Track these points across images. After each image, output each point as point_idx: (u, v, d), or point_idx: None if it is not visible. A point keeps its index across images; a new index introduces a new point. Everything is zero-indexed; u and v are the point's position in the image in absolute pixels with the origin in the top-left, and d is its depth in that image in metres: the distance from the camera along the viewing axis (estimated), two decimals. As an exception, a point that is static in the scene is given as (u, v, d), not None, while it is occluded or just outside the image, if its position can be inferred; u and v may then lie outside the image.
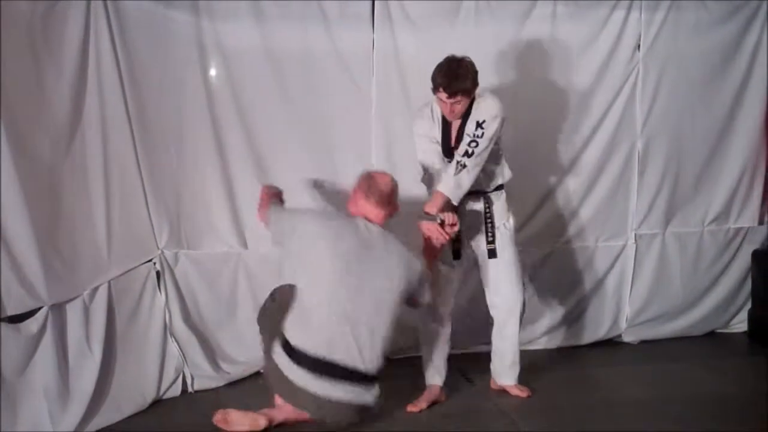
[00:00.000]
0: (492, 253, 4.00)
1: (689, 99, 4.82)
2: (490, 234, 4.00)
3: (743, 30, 4.80)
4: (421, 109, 3.97)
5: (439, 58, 4.38)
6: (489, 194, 4.00)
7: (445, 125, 3.92)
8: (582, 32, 4.61)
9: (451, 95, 3.73)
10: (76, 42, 3.70)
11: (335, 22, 4.31)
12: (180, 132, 4.22)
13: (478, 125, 3.79)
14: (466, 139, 3.79)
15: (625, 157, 4.81)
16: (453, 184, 3.76)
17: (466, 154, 3.77)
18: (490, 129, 3.78)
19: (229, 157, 4.33)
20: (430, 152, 3.93)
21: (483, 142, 3.77)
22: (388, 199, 3.70)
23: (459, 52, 4.37)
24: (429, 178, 3.96)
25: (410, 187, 4.12)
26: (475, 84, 3.78)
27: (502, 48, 4.51)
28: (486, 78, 4.45)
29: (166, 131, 4.18)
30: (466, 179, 3.77)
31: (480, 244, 4.03)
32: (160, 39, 4.08)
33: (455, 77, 3.72)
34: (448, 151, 3.92)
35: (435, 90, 3.78)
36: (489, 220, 4.00)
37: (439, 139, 3.93)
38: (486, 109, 3.82)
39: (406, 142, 4.44)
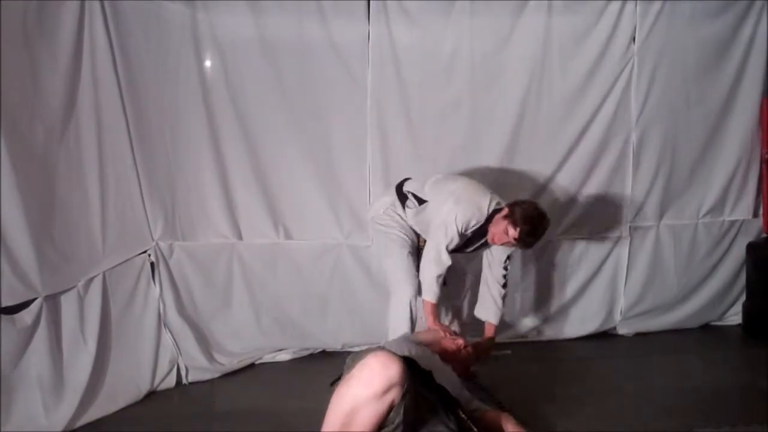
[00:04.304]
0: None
1: (684, 91, 4.80)
2: None
3: (738, 22, 4.78)
4: (468, 221, 3.88)
5: (435, 51, 4.42)
6: None
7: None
8: (577, 24, 4.58)
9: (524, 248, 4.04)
10: (71, 31, 3.68)
11: (331, 14, 4.29)
12: (175, 123, 4.21)
13: (509, 258, 4.15)
14: (502, 272, 4.15)
15: (620, 150, 4.79)
16: (501, 313, 4.22)
17: (504, 286, 4.19)
18: None
19: (225, 148, 4.32)
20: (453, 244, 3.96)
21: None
22: None
23: (454, 45, 4.41)
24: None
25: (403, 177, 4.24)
26: None
27: (497, 40, 4.49)
28: (481, 71, 4.49)
29: (162, 123, 4.17)
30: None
31: None
32: (156, 30, 4.07)
33: (538, 239, 3.91)
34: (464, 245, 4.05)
35: (516, 239, 3.81)
36: None
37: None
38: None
39: (401, 133, 4.47)
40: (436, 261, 3.91)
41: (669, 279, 5.04)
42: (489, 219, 3.89)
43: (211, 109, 4.25)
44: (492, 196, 3.94)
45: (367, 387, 2.49)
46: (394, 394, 2.51)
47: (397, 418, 2.56)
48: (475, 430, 2.91)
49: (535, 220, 3.80)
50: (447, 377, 3.22)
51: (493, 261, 4.16)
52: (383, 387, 2.47)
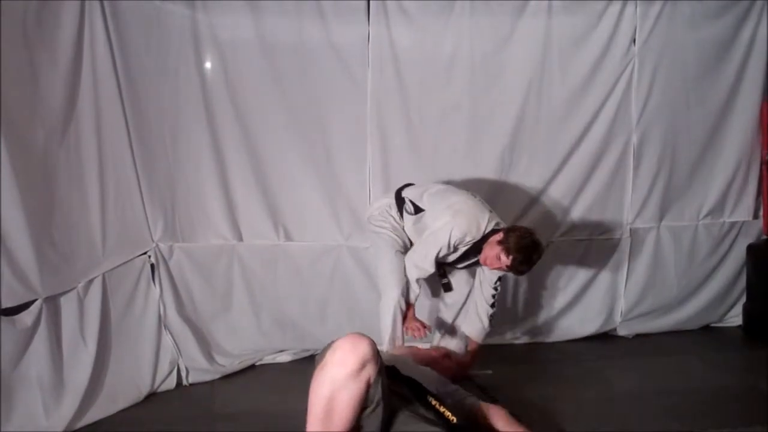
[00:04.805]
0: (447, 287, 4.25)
1: (684, 93, 4.80)
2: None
3: (739, 24, 4.78)
4: (464, 236, 3.85)
5: (435, 52, 4.42)
6: None
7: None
8: (577, 26, 4.58)
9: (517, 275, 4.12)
10: (71, 31, 3.67)
11: (331, 15, 4.28)
12: (175, 125, 4.20)
13: (500, 279, 4.12)
14: (491, 291, 4.11)
15: (620, 151, 4.79)
16: (485, 332, 4.19)
17: (493, 306, 4.15)
18: None
19: (225, 149, 4.32)
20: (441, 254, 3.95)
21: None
22: None
23: (454, 46, 4.41)
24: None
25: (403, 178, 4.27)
26: None
27: (497, 41, 4.49)
28: (481, 72, 4.48)
29: (162, 124, 4.16)
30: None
31: None
32: (156, 30, 4.06)
33: (531, 267, 3.86)
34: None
35: (509, 266, 3.80)
36: None
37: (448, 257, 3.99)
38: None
39: (401, 134, 4.46)
40: (417, 266, 3.93)
41: (669, 280, 5.04)
42: (485, 238, 3.87)
43: (211, 109, 4.24)
44: (491, 215, 3.92)
45: (342, 367, 2.48)
46: (370, 371, 2.51)
47: (377, 395, 2.57)
48: (449, 413, 2.91)
49: (530, 248, 3.77)
50: (421, 373, 3.22)
51: (485, 280, 4.13)
52: (358, 365, 2.48)
